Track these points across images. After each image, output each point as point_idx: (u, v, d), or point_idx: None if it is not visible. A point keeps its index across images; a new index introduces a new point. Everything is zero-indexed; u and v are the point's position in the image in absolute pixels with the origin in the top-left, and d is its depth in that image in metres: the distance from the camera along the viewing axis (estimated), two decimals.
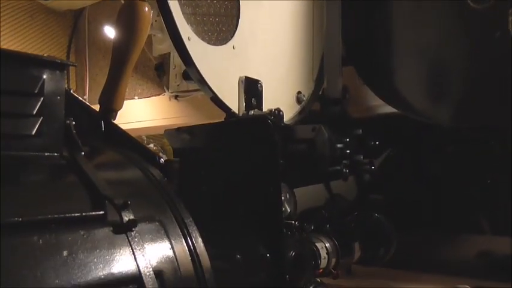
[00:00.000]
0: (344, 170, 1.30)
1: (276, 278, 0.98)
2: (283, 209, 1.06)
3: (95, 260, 0.51)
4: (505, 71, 1.24)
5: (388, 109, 1.48)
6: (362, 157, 1.39)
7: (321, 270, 1.20)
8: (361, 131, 1.38)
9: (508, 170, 1.48)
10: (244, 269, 0.90)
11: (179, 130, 1.06)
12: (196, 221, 0.73)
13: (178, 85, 1.87)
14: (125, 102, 0.91)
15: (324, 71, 1.42)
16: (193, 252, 0.65)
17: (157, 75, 1.99)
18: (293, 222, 1.07)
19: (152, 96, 2.11)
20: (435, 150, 1.77)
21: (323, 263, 1.20)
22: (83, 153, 0.61)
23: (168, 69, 1.93)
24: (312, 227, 1.29)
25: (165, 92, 1.96)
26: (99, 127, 0.75)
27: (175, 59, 1.91)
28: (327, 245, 1.23)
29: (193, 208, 0.88)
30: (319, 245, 1.21)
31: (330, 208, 1.30)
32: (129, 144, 0.75)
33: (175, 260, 0.60)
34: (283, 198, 1.05)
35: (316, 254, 1.17)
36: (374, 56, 1.49)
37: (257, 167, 0.99)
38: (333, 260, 1.24)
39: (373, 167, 1.42)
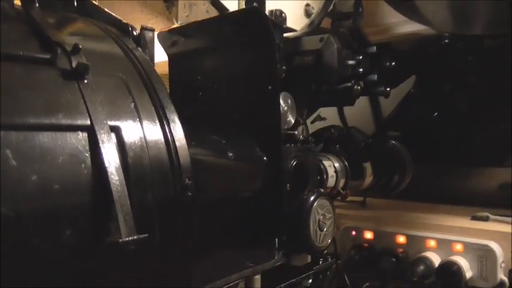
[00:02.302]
0: (355, 86, 1.19)
1: (275, 186, 0.90)
2: (287, 119, 0.97)
3: (38, 99, 0.43)
4: None
5: (407, 27, 1.36)
6: (376, 77, 1.28)
7: (329, 190, 1.11)
8: (375, 48, 1.27)
9: None
10: (237, 169, 0.82)
11: (171, 31, 0.98)
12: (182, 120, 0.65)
13: (187, 16, 1.78)
14: None
15: None
16: (168, 136, 0.55)
17: (166, 7, 1.90)
18: (296, 132, 0.99)
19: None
20: (457, 81, 1.65)
21: (330, 181, 1.11)
22: (37, 5, 0.53)
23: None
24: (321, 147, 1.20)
25: (174, 24, 1.87)
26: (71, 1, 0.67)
27: None
28: (336, 164, 1.14)
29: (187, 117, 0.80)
30: (326, 163, 1.12)
31: (340, 129, 1.20)
32: (102, 18, 0.67)
33: (141, 129, 0.52)
34: (285, 107, 0.96)
35: (323, 170, 1.09)
36: None
37: (255, 65, 0.89)
38: (342, 181, 1.15)
39: (388, 89, 1.31)
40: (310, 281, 0.94)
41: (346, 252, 1.35)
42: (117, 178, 0.46)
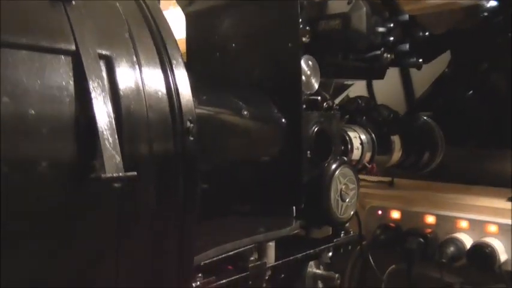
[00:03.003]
0: (385, 55, 1.11)
1: (294, 152, 0.83)
2: (310, 84, 0.90)
3: (15, 18, 0.38)
4: None
5: None
6: (408, 47, 1.20)
7: (354, 163, 1.04)
8: (407, 16, 1.18)
9: None
10: (252, 128, 0.76)
11: None
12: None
13: None
14: None
15: None
16: (168, 71, 0.50)
17: None
18: (319, 98, 0.92)
19: None
20: (496, 58, 1.54)
21: (355, 154, 1.04)
22: None
23: None
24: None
25: None
26: None
27: None
28: (362, 136, 1.07)
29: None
30: (352, 134, 1.05)
31: (367, 100, 1.13)
32: None
33: (135, 60, 0.46)
34: (308, 70, 0.90)
35: (347, 140, 1.01)
36: None
37: (275, 22, 0.83)
38: (368, 154, 1.08)
39: (420, 60, 1.22)
40: (330, 254, 0.87)
41: (371, 233, 1.27)
42: (105, 110, 0.40)
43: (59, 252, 0.40)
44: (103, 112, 0.40)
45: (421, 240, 1.16)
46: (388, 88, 1.65)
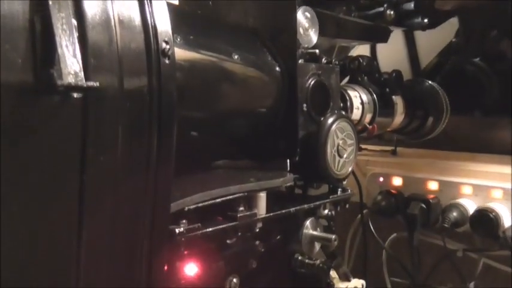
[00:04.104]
0: (388, 11, 1.06)
1: (288, 103, 0.79)
2: (308, 37, 0.85)
3: None
4: None
5: None
6: (413, 6, 1.14)
7: (354, 123, 0.99)
8: None
9: None
10: (242, 74, 0.71)
11: None
12: None
13: None
14: None
15: None
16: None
17: None
18: (317, 51, 0.87)
19: None
20: (505, 26, 1.47)
21: (355, 113, 0.99)
22: None
23: None
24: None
25: None
26: None
27: None
28: (363, 96, 1.02)
29: None
30: (352, 93, 1.00)
31: (369, 59, 1.07)
32: None
33: None
34: (306, 23, 0.84)
35: (347, 98, 0.97)
36: None
37: None
38: (368, 116, 1.03)
39: (426, 21, 1.17)
40: (326, 211, 0.83)
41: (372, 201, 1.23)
42: (64, 13, 0.36)
43: (14, 175, 0.36)
44: (61, 15, 0.35)
45: (423, 206, 1.12)
46: (392, 55, 1.59)
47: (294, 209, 0.74)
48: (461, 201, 1.10)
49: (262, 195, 0.69)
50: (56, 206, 0.38)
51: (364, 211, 1.27)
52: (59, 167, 0.38)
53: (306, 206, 0.77)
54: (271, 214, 0.71)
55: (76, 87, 0.35)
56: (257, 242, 0.79)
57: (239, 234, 0.67)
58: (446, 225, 1.06)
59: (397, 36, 1.52)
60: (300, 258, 0.84)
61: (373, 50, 1.47)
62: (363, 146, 1.40)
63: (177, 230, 0.58)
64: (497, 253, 1.09)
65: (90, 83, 0.35)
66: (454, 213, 1.08)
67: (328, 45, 1.22)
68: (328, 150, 0.79)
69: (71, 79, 0.34)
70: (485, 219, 1.03)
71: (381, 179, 1.25)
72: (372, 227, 1.23)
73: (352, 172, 1.29)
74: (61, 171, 0.38)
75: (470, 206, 1.08)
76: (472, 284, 1.10)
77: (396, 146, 1.36)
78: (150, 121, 0.44)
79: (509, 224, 1.04)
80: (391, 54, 1.58)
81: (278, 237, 0.83)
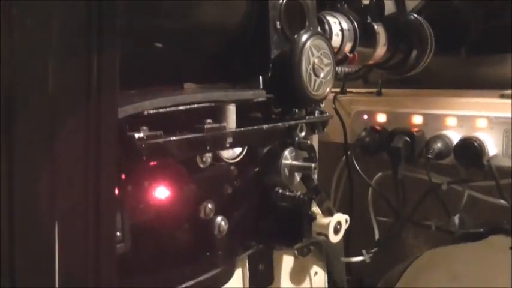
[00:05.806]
0: None
1: (260, 20, 0.74)
2: None
3: None
4: None
5: None
6: None
7: (334, 51, 0.95)
8: None
9: None
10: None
11: None
12: None
13: None
14: None
15: None
16: None
17: None
18: None
19: None
20: None
21: (335, 40, 0.94)
22: None
23: None
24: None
25: None
26: None
27: None
28: (343, 23, 0.97)
29: None
30: (331, 19, 0.95)
31: None
32: None
33: None
34: None
35: (325, 24, 0.92)
36: None
37: None
38: (348, 44, 0.98)
39: None
40: (303, 133, 0.79)
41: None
42: None
43: None
44: None
45: (407, 139, 1.09)
46: None
47: (267, 126, 0.70)
48: (446, 132, 1.06)
49: (232, 108, 0.65)
50: None
51: (349, 152, 1.24)
52: None
53: (280, 124, 0.73)
54: (242, 129, 0.67)
55: None
56: (232, 168, 0.76)
57: (208, 148, 0.63)
58: (430, 155, 1.03)
59: None
60: (280, 191, 0.81)
61: None
62: (348, 89, 1.36)
63: (136, 135, 0.54)
64: (482, 184, 1.06)
65: None
66: (439, 144, 1.04)
67: None
68: (303, 68, 0.75)
69: None
70: (469, 147, 1.00)
71: (365, 117, 1.22)
72: (356, 165, 1.20)
73: (336, 111, 1.27)
74: None
75: (455, 137, 1.05)
76: (456, 217, 1.07)
77: (381, 88, 1.32)
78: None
79: (495, 153, 1.01)
80: None
81: (255, 166, 0.80)
